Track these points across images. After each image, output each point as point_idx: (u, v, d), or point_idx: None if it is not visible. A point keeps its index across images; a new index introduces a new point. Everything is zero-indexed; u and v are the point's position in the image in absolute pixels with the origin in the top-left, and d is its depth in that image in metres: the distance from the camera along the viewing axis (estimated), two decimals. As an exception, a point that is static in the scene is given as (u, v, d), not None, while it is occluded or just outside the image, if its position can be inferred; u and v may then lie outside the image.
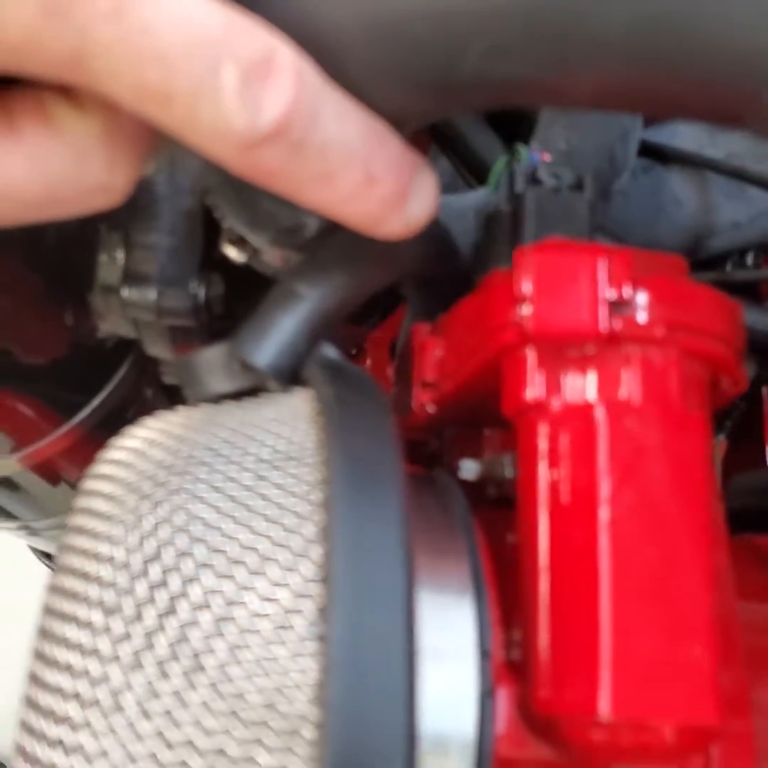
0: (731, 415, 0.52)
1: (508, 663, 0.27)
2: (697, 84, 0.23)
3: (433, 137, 0.51)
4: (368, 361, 0.66)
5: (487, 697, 0.26)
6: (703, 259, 0.49)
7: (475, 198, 0.42)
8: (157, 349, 0.44)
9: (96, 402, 0.53)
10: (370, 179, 0.25)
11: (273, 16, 0.23)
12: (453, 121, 0.48)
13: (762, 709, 0.29)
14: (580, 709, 0.25)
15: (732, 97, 0.23)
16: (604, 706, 0.24)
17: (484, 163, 0.47)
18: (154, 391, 0.55)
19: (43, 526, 0.64)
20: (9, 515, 0.63)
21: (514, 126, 0.49)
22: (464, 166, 0.49)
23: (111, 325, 0.44)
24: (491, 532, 0.30)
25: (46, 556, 0.80)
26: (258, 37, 0.22)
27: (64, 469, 0.58)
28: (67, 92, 0.24)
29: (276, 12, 0.23)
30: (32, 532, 0.67)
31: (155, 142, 0.25)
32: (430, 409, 0.35)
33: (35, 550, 0.81)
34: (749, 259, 0.51)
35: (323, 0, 0.23)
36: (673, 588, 0.25)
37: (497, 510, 0.31)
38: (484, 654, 0.26)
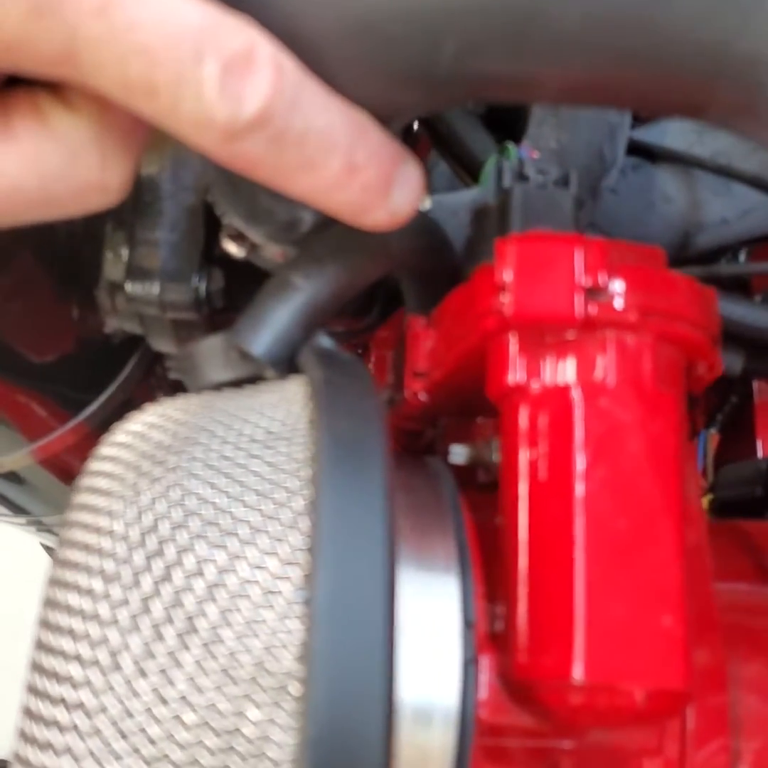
0: (723, 409, 0.53)
1: (492, 634, 0.29)
2: (655, 77, 0.24)
3: (430, 139, 0.53)
4: (373, 360, 0.67)
5: (470, 665, 0.27)
6: (698, 255, 0.50)
7: (469, 196, 0.43)
8: (162, 343, 0.46)
9: (102, 398, 0.55)
10: (352, 168, 0.26)
11: (255, 13, 0.24)
12: (448, 122, 0.50)
13: (738, 683, 0.31)
14: (556, 673, 0.26)
15: (689, 90, 0.25)
16: (578, 670, 0.26)
17: (479, 162, 0.48)
18: (161, 388, 0.56)
19: (54, 522, 0.66)
20: (20, 510, 0.65)
21: (509, 126, 0.50)
22: (460, 166, 0.50)
23: (117, 321, 0.45)
24: (479, 514, 0.31)
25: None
26: (238, 32, 0.24)
27: (74, 466, 0.59)
28: (60, 94, 0.25)
29: (258, 9, 0.24)
30: (43, 528, 0.68)
31: (147, 142, 0.27)
32: (422, 397, 0.36)
33: (49, 549, 0.82)
34: (742, 256, 0.53)
35: (304, 1, 0.25)
36: (645, 559, 0.27)
37: (486, 493, 0.33)
38: (468, 624, 0.28)
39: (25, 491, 0.62)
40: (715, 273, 0.46)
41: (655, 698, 0.26)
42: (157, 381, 0.59)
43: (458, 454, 0.34)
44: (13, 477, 0.59)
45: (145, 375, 0.56)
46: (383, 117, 0.28)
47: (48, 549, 0.82)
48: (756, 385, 0.52)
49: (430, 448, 0.41)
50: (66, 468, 0.59)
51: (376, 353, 0.70)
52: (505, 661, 0.28)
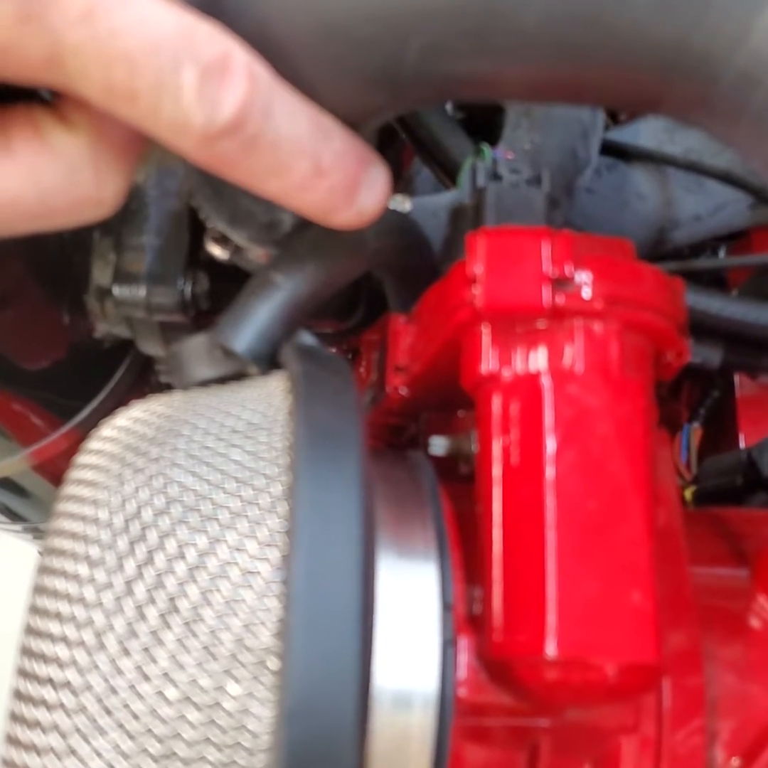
0: (705, 403, 0.54)
1: (470, 616, 0.29)
2: (613, 73, 0.25)
3: (413, 145, 0.54)
4: (364, 362, 0.68)
5: (448, 646, 0.28)
6: (675, 251, 0.51)
7: (448, 197, 0.44)
8: (150, 346, 0.47)
9: (94, 404, 0.55)
10: (318, 171, 0.27)
11: (230, 21, 0.25)
12: (430, 128, 0.51)
13: (715, 664, 0.31)
14: (530, 650, 0.27)
15: (646, 85, 0.26)
16: (551, 646, 0.26)
17: (460, 166, 0.49)
18: (153, 392, 0.57)
19: (51, 528, 0.66)
20: (16, 516, 0.66)
21: (490, 131, 0.51)
22: (442, 171, 0.51)
23: (107, 325, 0.46)
24: (458, 503, 0.32)
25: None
26: (215, 40, 0.25)
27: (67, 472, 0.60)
28: (58, 111, 0.26)
29: (233, 18, 0.25)
30: (40, 535, 0.69)
31: (141, 158, 0.28)
32: (403, 391, 0.37)
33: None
34: (721, 253, 0.54)
35: (275, 7, 0.26)
36: (614, 538, 0.27)
37: (466, 484, 0.33)
38: (446, 607, 0.28)
39: (22, 498, 0.63)
40: (691, 268, 0.47)
41: (626, 672, 0.27)
42: (150, 388, 0.60)
43: (438, 445, 0.35)
44: (8, 484, 0.60)
45: (135, 380, 0.57)
46: (354, 119, 0.29)
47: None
48: (737, 378, 0.53)
49: (414, 442, 0.42)
50: (60, 474, 0.59)
51: (366, 356, 0.71)
52: (483, 642, 0.29)
